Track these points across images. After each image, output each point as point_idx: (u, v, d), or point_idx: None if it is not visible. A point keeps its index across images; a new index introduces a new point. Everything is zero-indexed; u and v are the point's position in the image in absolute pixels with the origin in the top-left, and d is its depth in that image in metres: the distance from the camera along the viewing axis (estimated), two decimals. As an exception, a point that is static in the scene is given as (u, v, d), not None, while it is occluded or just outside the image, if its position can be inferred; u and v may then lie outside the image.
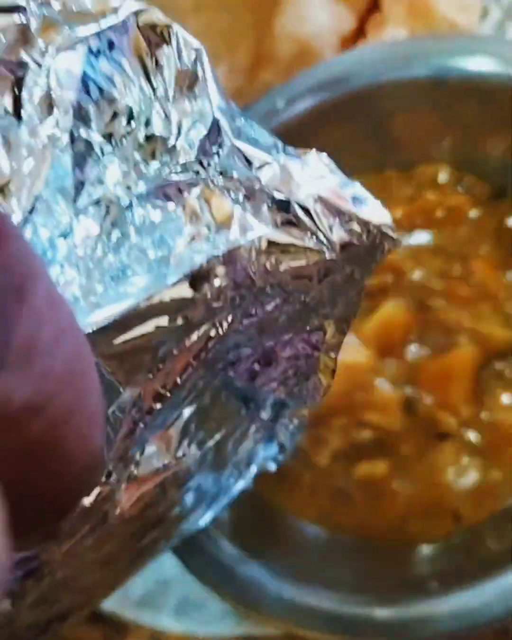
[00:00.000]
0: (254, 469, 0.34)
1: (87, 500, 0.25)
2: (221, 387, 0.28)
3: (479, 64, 0.38)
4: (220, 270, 0.23)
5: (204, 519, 0.34)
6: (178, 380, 0.24)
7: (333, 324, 0.28)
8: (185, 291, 0.23)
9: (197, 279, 0.23)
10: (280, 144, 0.25)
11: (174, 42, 0.25)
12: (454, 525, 0.38)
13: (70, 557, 0.26)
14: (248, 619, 0.39)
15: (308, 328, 0.27)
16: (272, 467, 0.35)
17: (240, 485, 0.34)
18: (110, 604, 0.42)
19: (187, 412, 0.27)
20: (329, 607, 0.36)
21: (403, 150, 0.40)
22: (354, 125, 0.40)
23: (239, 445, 0.31)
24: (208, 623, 0.41)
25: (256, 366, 0.28)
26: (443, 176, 0.40)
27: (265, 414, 0.31)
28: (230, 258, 0.23)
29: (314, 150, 0.25)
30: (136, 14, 0.25)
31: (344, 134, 0.40)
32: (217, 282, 0.23)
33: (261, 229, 0.24)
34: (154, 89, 0.25)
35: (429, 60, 0.38)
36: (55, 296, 0.16)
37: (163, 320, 0.23)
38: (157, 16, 0.25)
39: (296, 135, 0.39)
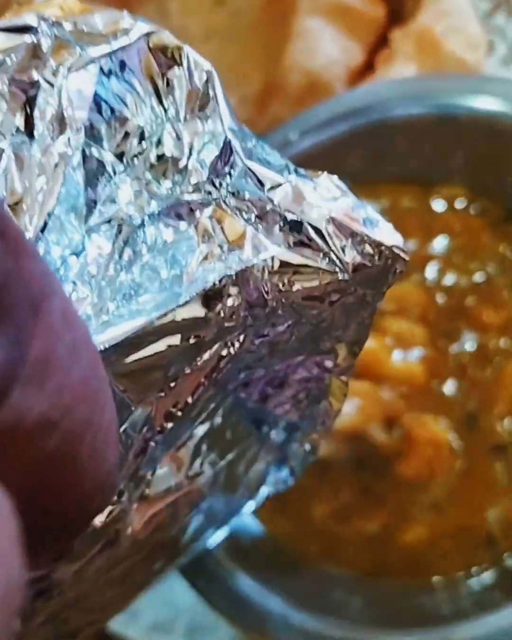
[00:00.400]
0: (264, 492, 0.34)
1: (98, 520, 0.25)
2: (233, 408, 0.28)
3: (486, 103, 0.39)
4: (232, 289, 0.23)
5: (213, 539, 0.34)
6: (189, 399, 0.24)
7: (345, 347, 0.28)
8: (197, 310, 0.23)
9: (209, 297, 0.23)
10: (291, 166, 0.25)
11: (185, 64, 0.25)
12: (487, 553, 0.38)
13: (80, 577, 0.26)
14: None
15: (319, 351, 0.27)
16: (280, 489, 0.35)
17: (249, 506, 0.34)
18: (121, 628, 0.42)
19: (199, 432, 0.27)
20: (337, 634, 0.36)
21: (415, 181, 0.41)
22: (366, 157, 0.41)
23: (250, 467, 0.31)
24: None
25: (268, 388, 0.28)
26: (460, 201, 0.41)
27: (277, 437, 0.31)
28: (242, 277, 0.23)
29: (325, 172, 0.25)
30: (147, 35, 0.25)
31: (357, 166, 0.40)
32: (229, 302, 0.23)
33: (273, 249, 0.24)
34: (165, 110, 0.25)
35: (438, 99, 0.39)
36: (70, 313, 0.16)
37: (175, 339, 0.23)
38: (168, 38, 0.25)
39: (310, 167, 0.39)
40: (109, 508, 0.25)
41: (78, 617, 0.30)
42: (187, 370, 0.24)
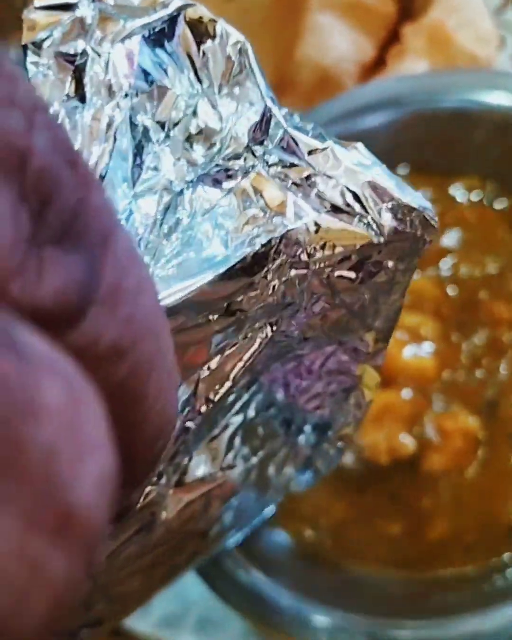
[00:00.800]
0: (283, 493, 0.34)
1: (137, 502, 0.25)
2: (265, 403, 0.28)
3: (498, 98, 0.39)
4: (275, 254, 0.23)
5: (234, 539, 0.35)
6: (228, 383, 0.25)
7: (374, 334, 0.28)
8: (242, 276, 0.23)
9: (255, 262, 0.23)
10: (325, 134, 0.26)
11: (219, 36, 0.25)
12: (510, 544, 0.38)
13: (112, 562, 0.27)
14: (269, 638, 0.40)
15: (350, 340, 0.28)
16: (301, 490, 0.35)
17: (270, 508, 0.35)
18: (131, 622, 0.42)
19: (233, 422, 0.28)
20: (355, 627, 0.36)
21: (429, 175, 0.41)
22: (380, 151, 0.41)
23: (281, 469, 0.32)
24: (228, 641, 0.41)
25: (299, 380, 0.28)
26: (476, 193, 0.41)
27: (304, 440, 0.31)
28: (286, 242, 0.23)
29: (360, 143, 0.25)
30: (184, 8, 0.25)
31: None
32: (274, 265, 0.23)
33: (312, 214, 0.24)
34: (200, 81, 0.25)
35: (450, 94, 0.39)
36: (134, 250, 0.16)
37: (218, 310, 0.23)
38: (203, 11, 0.25)
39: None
40: (148, 489, 0.25)
41: (103, 607, 0.30)
42: (228, 351, 0.24)
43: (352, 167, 0.25)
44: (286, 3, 0.46)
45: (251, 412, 0.28)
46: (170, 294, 0.22)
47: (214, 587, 0.38)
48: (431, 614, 0.36)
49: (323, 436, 0.32)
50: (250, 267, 0.23)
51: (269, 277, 0.24)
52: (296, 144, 0.25)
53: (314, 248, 0.24)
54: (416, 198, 0.25)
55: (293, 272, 0.24)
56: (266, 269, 0.23)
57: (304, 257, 0.24)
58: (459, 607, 0.36)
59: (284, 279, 0.24)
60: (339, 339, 0.27)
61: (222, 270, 0.23)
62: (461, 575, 0.38)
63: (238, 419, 0.28)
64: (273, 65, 0.46)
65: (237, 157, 0.24)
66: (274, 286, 0.24)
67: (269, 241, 0.23)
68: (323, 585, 0.38)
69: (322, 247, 0.24)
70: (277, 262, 0.23)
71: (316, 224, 0.24)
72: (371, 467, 0.39)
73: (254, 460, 0.30)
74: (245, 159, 0.24)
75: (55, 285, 0.14)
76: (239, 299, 0.23)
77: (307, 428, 0.31)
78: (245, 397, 0.27)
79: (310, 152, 0.24)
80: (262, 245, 0.23)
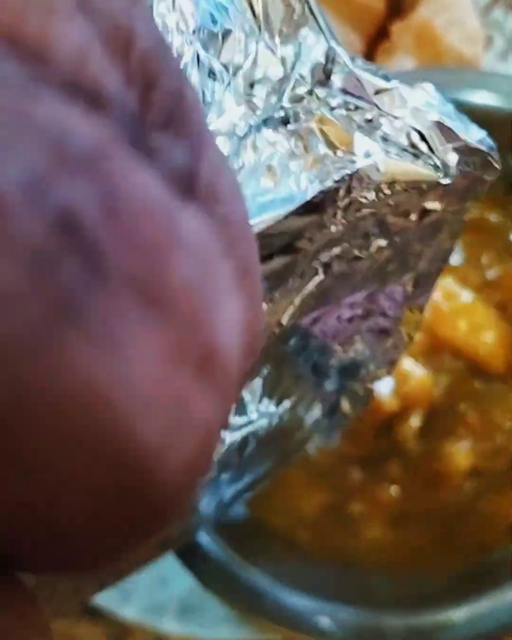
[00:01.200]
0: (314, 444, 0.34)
1: None
2: (300, 346, 0.28)
3: (483, 98, 0.40)
4: (346, 192, 0.23)
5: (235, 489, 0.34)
6: (284, 321, 0.25)
7: (416, 276, 0.28)
8: (313, 213, 0.23)
9: (324, 200, 0.23)
10: (389, 75, 0.26)
11: None
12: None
13: None
14: (249, 623, 0.40)
15: (394, 281, 0.28)
16: (328, 442, 0.35)
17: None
18: (114, 606, 0.43)
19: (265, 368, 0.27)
20: (331, 613, 0.37)
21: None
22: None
23: (307, 413, 0.31)
24: (210, 627, 0.42)
25: (336, 323, 0.28)
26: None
27: (330, 385, 0.31)
28: (357, 180, 0.23)
29: (428, 82, 0.26)
30: None
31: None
32: (342, 203, 0.23)
33: (379, 154, 0.24)
34: (259, 27, 0.25)
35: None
36: (225, 163, 0.15)
37: (282, 245, 0.23)
38: None
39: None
40: None
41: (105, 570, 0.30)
42: (286, 286, 0.24)
43: (418, 107, 0.25)
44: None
45: (283, 354, 0.28)
46: None
47: (195, 573, 0.39)
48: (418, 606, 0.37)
49: (353, 377, 0.31)
50: (322, 203, 0.23)
51: (339, 215, 0.24)
52: (362, 84, 0.24)
53: (380, 188, 0.24)
54: (481, 138, 0.25)
55: (360, 212, 0.24)
56: (335, 206, 0.23)
57: (371, 196, 0.24)
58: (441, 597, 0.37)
59: (350, 218, 0.24)
60: (382, 280, 0.28)
61: (292, 207, 0.22)
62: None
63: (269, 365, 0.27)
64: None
65: (299, 99, 0.24)
66: (341, 225, 0.24)
67: (343, 177, 0.23)
68: (316, 578, 0.39)
69: (390, 187, 0.24)
70: (346, 200, 0.23)
71: (384, 163, 0.24)
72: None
73: (287, 404, 0.29)
74: (308, 102, 0.24)
75: (162, 171, 0.13)
76: (305, 236, 0.23)
77: (333, 372, 0.31)
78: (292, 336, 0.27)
79: (376, 92, 0.24)
80: (335, 182, 0.23)
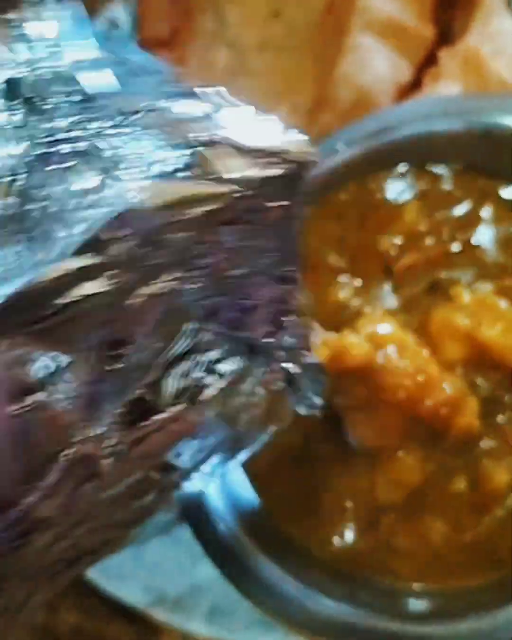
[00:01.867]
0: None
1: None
2: (217, 338, 0.28)
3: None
4: (121, 231, 0.23)
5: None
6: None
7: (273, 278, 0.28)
8: (89, 257, 0.22)
9: (96, 243, 0.22)
10: (172, 90, 0.25)
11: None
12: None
13: (69, 510, 0.26)
14: (278, 629, 0.41)
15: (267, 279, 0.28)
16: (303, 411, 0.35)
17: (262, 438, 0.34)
18: (144, 605, 0.44)
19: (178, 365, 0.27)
20: (352, 619, 0.38)
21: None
22: (408, 167, 0.43)
23: (251, 396, 0.31)
24: (237, 630, 0.43)
25: (238, 314, 0.28)
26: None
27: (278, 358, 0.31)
28: (131, 216, 0.23)
29: (218, 86, 0.25)
30: None
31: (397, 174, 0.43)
32: (121, 246, 0.23)
33: (154, 183, 0.23)
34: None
35: (477, 116, 0.41)
36: None
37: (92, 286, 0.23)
38: None
39: (355, 174, 0.42)
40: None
41: (92, 537, 0.30)
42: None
43: (201, 122, 0.24)
44: (330, 23, 0.48)
45: (208, 348, 0.28)
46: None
47: (225, 575, 0.39)
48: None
49: (291, 356, 0.31)
50: (92, 248, 0.22)
51: (117, 255, 0.23)
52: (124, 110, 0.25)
53: (168, 217, 0.23)
54: (288, 137, 0.24)
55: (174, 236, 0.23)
56: (111, 247, 0.23)
57: (155, 228, 0.23)
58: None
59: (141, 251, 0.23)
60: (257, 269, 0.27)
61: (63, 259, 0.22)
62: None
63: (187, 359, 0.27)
64: (314, 82, 0.48)
65: (71, 130, 0.24)
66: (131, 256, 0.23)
67: (110, 220, 0.22)
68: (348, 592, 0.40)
69: (178, 216, 0.23)
70: (121, 244, 0.23)
71: (162, 193, 0.23)
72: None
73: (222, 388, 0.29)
74: (78, 135, 0.24)
75: None
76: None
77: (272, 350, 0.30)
78: (186, 335, 0.27)
79: (138, 118, 0.24)
80: (103, 227, 0.22)
